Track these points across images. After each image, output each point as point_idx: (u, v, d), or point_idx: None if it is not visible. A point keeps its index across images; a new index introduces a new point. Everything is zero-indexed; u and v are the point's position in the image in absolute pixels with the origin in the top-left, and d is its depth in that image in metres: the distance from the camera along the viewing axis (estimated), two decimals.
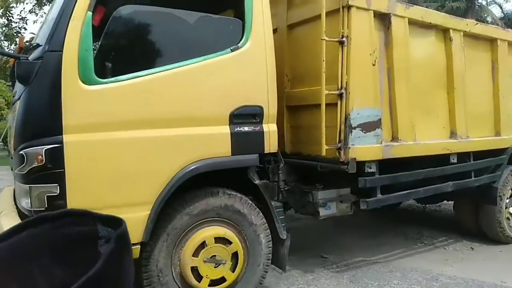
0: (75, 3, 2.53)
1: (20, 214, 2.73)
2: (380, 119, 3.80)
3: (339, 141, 3.62)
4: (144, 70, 2.76)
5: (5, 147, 10.81)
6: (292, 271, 4.16)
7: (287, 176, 4.09)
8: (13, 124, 2.80)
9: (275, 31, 4.28)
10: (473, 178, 4.84)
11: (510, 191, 5.36)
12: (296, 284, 3.96)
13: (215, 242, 3.00)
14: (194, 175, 2.96)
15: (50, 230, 0.67)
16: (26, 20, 13.28)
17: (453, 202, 5.78)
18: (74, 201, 2.52)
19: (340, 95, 3.57)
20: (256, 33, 3.21)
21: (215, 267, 2.99)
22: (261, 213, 3.22)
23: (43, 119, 2.57)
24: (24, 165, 2.51)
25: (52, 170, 2.49)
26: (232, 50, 3.11)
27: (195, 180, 3.01)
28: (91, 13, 2.58)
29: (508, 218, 5.28)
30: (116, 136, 2.66)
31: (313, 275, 4.19)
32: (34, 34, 3.93)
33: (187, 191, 3.04)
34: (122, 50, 2.82)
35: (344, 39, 3.53)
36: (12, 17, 12.95)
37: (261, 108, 3.24)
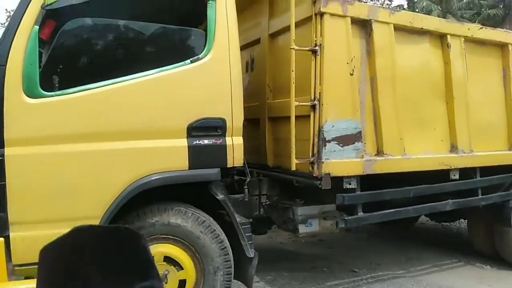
0: (22, 17, 2.56)
1: None
2: (360, 132, 3.56)
3: (312, 155, 3.42)
4: (92, 83, 2.73)
5: None
6: (323, 285, 4.13)
7: (269, 190, 3.95)
8: None
9: (257, 41, 4.22)
10: (480, 197, 4.43)
11: None
12: None
13: (164, 261, 2.89)
14: (153, 189, 2.91)
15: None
16: None
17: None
18: (15, 214, 2.52)
19: (313, 107, 3.38)
20: (220, 44, 3.11)
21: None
22: (218, 235, 3.05)
23: None
24: None
25: None
26: (192, 62, 3.03)
27: (164, 193, 2.96)
28: (37, 27, 2.60)
29: None
30: (61, 149, 2.65)
31: None
32: None
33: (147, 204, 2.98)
34: (70, 64, 2.82)
35: (317, 48, 3.35)
36: None
37: (223, 120, 3.12)
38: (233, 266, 3.13)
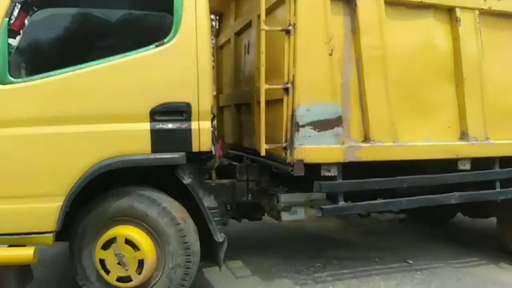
0: None
1: None
2: (340, 117, 3.34)
3: (286, 141, 3.29)
4: (59, 69, 2.89)
5: None
6: (375, 276, 4.03)
7: (259, 176, 3.90)
8: None
9: (250, 23, 4.12)
10: (497, 190, 3.93)
11: None
12: None
13: (125, 243, 2.99)
14: (127, 173, 3.05)
15: None
16: None
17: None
18: None
19: (286, 90, 3.24)
20: (186, 29, 3.08)
21: (118, 264, 2.99)
22: (174, 217, 3.08)
23: None
24: None
25: None
26: (156, 46, 3.06)
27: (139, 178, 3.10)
28: (7, 19, 2.81)
29: None
30: (28, 131, 2.85)
31: (396, 280, 3.98)
32: None
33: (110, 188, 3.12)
34: (38, 52, 3.00)
35: (290, 27, 3.19)
36: None
37: (188, 104, 3.11)
38: (194, 249, 3.14)
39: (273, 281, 3.97)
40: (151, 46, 3.05)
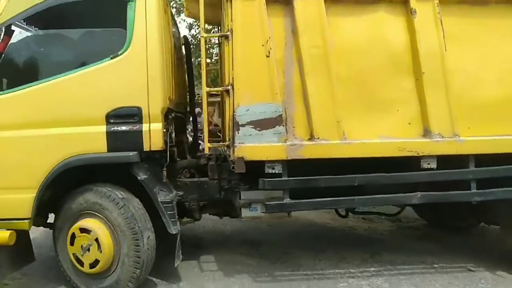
0: None
1: None
2: (280, 115, 3.45)
3: (229, 139, 3.50)
4: (30, 83, 3.47)
5: None
6: (435, 283, 3.82)
7: (230, 174, 4.12)
8: None
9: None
10: (473, 191, 3.65)
11: None
12: None
13: (81, 232, 3.45)
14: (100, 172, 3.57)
15: None
16: None
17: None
18: None
19: (228, 92, 3.45)
20: (137, 42, 3.48)
21: (84, 253, 3.45)
22: (124, 207, 3.46)
23: None
24: None
25: None
26: (112, 58, 3.50)
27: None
28: None
29: None
30: (5, 134, 3.47)
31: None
32: None
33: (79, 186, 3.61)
34: (15, 69, 3.60)
35: (228, 33, 3.41)
36: None
37: (139, 108, 3.49)
38: (144, 236, 3.47)
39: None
40: (107, 58, 3.50)
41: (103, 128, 3.49)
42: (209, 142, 3.59)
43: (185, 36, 4.97)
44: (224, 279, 4.00)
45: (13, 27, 3.56)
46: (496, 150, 3.58)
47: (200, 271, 4.20)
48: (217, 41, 5.46)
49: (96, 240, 3.43)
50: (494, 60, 3.60)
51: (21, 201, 3.49)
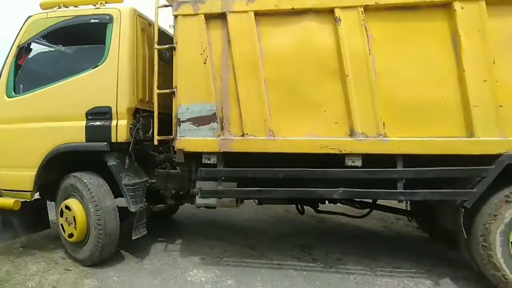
0: (8, 54, 4.65)
1: None
2: (214, 114, 3.97)
3: (174, 134, 4.12)
4: (36, 88, 4.55)
5: None
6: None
7: (196, 167, 4.72)
8: None
9: None
10: (399, 190, 3.70)
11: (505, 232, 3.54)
12: None
13: (66, 209, 4.38)
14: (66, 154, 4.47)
15: None
16: None
17: None
18: None
19: (174, 93, 4.09)
20: (112, 54, 4.36)
21: (69, 225, 4.36)
22: (91, 190, 4.29)
23: None
24: None
25: None
26: (93, 68, 4.41)
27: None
28: (15, 59, 4.64)
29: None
30: (19, 126, 4.57)
31: None
32: None
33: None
34: (29, 77, 4.70)
35: (175, 44, 4.07)
36: None
37: (109, 108, 4.33)
38: (105, 210, 4.27)
39: None
40: (90, 68, 4.42)
41: (83, 123, 4.39)
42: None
43: None
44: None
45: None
46: (422, 151, 3.61)
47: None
48: None
49: (74, 216, 4.31)
50: (420, 62, 3.64)
51: (25, 177, 4.55)
